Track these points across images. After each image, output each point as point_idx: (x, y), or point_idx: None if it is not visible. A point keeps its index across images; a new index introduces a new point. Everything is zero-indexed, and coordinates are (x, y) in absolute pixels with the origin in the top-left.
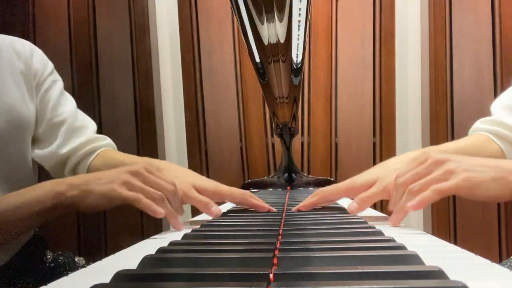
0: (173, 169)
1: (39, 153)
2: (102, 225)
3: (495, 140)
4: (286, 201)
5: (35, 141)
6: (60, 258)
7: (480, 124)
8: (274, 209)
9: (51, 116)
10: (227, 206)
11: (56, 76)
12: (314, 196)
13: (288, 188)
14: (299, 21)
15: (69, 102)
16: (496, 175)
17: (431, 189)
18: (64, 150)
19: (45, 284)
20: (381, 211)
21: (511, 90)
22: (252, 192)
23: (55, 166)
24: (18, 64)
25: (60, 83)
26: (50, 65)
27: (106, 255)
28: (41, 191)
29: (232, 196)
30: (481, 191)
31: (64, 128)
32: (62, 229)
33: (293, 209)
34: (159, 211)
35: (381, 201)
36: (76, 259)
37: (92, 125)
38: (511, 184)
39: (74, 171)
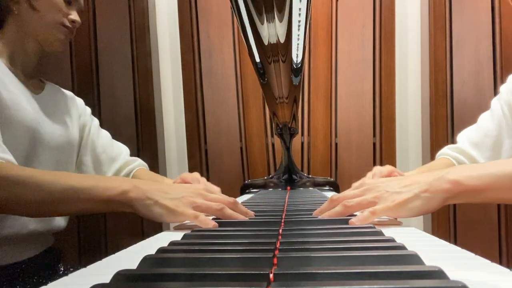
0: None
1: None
2: (102, 225)
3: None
4: (286, 201)
5: (85, 169)
6: (71, 269)
7: (448, 150)
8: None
9: (94, 147)
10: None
11: (93, 117)
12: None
13: (288, 188)
14: (299, 21)
15: (106, 135)
16: (419, 191)
17: (368, 210)
18: (108, 174)
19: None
20: None
21: (473, 127)
22: (252, 192)
23: None
24: (74, 107)
25: (97, 121)
26: (88, 110)
27: (106, 255)
28: (111, 183)
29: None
30: (407, 208)
31: (105, 156)
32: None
33: (315, 212)
34: (213, 224)
35: None
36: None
37: (125, 150)
38: (437, 192)
39: None
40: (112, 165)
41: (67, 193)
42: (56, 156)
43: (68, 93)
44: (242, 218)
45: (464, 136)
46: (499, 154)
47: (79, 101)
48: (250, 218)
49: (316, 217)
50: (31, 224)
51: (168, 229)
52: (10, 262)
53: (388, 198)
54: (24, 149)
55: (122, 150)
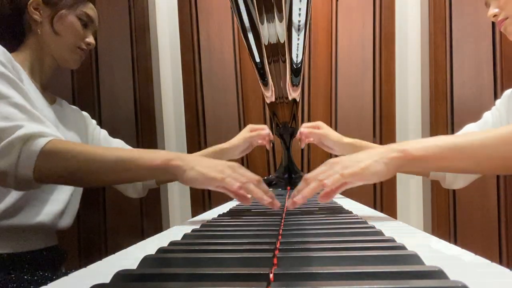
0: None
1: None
2: (102, 225)
3: None
4: (286, 201)
5: None
6: (73, 271)
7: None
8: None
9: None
10: (228, 206)
11: (99, 128)
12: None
13: (288, 188)
14: (299, 21)
15: (118, 142)
16: (377, 158)
17: (337, 173)
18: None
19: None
20: (381, 211)
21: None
22: None
23: (126, 187)
24: (82, 120)
25: (104, 132)
26: (94, 122)
27: (106, 255)
28: (155, 154)
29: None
30: (371, 172)
31: None
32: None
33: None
34: (237, 185)
35: (381, 202)
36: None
37: None
38: (390, 159)
39: (142, 183)
40: None
41: (117, 163)
42: None
43: (75, 107)
44: (261, 196)
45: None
46: None
47: (86, 115)
48: (250, 218)
49: (316, 217)
50: (39, 216)
51: (168, 228)
52: (12, 251)
53: (354, 165)
54: None
55: None
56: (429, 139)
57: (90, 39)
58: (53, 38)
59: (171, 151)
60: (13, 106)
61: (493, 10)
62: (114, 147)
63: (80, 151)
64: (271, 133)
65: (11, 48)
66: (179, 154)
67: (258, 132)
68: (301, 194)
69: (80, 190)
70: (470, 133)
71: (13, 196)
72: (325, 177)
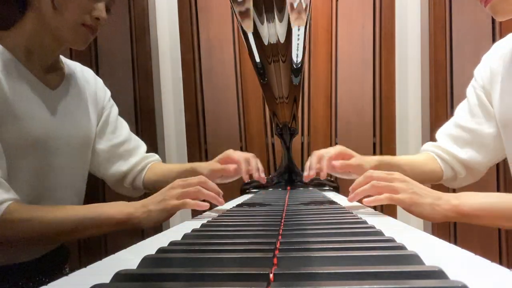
0: None
1: (103, 171)
2: None
3: (438, 161)
4: (286, 201)
5: (96, 157)
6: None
7: (428, 146)
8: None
9: (112, 137)
10: (229, 206)
11: (113, 102)
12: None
13: (288, 188)
14: None
15: (125, 126)
16: (432, 202)
17: (385, 196)
18: (124, 168)
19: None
20: (381, 211)
21: (451, 121)
22: (252, 192)
23: (116, 181)
24: (86, 89)
25: (116, 108)
26: (108, 93)
27: (106, 255)
28: (116, 209)
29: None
30: (418, 210)
31: (122, 149)
32: None
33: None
34: (204, 205)
35: None
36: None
37: (143, 145)
38: (440, 210)
39: (132, 184)
40: (129, 159)
41: (77, 225)
42: (72, 157)
43: (88, 74)
44: (213, 196)
45: (442, 133)
46: (482, 147)
47: (100, 83)
48: (250, 218)
49: (316, 217)
50: None
51: (168, 228)
52: (18, 261)
53: (410, 195)
54: (36, 160)
55: (140, 144)
56: (485, 196)
57: (99, 12)
58: (52, 12)
59: (130, 205)
60: None
61: None
62: (73, 207)
63: (37, 218)
64: (251, 167)
65: (4, 25)
66: (133, 204)
67: (223, 168)
68: (356, 192)
69: (82, 196)
70: None
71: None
72: (383, 186)
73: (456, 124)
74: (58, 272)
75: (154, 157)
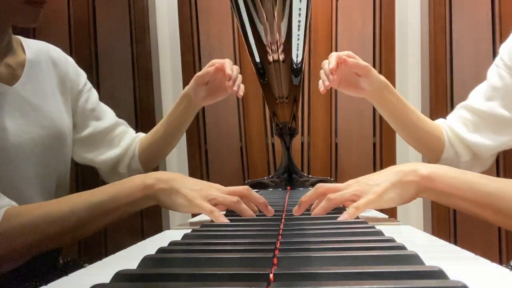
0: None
1: (93, 158)
2: None
3: (444, 135)
4: (286, 201)
5: (82, 146)
6: (71, 263)
7: (439, 121)
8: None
9: (96, 124)
10: None
11: (90, 85)
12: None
13: (288, 188)
14: (299, 21)
15: (109, 111)
16: (395, 179)
17: (352, 206)
18: (118, 152)
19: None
20: (381, 211)
21: (463, 103)
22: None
23: (110, 168)
24: (54, 74)
25: (95, 92)
26: (84, 75)
27: (106, 255)
28: (132, 183)
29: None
30: (385, 199)
31: (111, 135)
32: None
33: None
34: (225, 220)
35: None
36: (85, 266)
37: (131, 129)
38: (408, 184)
39: (128, 167)
40: (120, 144)
41: (90, 213)
42: (44, 160)
43: (57, 55)
44: (251, 214)
45: (453, 113)
46: (493, 130)
47: (71, 64)
48: (250, 218)
49: (316, 217)
50: None
51: (168, 229)
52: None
53: (370, 190)
54: None
55: (128, 129)
56: (461, 172)
57: None
58: None
59: (150, 177)
60: None
61: None
62: (79, 194)
63: (38, 219)
64: (229, 70)
65: None
66: (156, 175)
67: (206, 71)
68: (314, 213)
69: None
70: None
71: None
72: (337, 197)
73: (467, 107)
74: (51, 269)
75: (142, 134)
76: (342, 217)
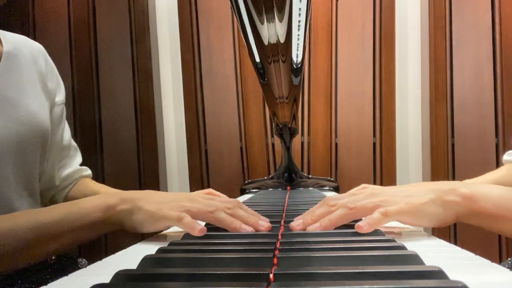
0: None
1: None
2: None
3: None
4: (286, 201)
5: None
6: (64, 259)
7: (508, 157)
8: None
9: (60, 139)
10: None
11: (63, 88)
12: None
13: (288, 188)
14: (299, 21)
15: (68, 129)
16: (434, 197)
17: (378, 211)
18: (62, 174)
19: (47, 284)
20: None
21: None
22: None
23: (46, 185)
24: (35, 69)
25: (63, 94)
26: (59, 76)
27: (106, 255)
28: (90, 203)
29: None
30: (425, 213)
31: (65, 154)
32: None
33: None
34: (199, 228)
35: None
36: (78, 260)
37: (79, 156)
38: (450, 204)
39: (50, 200)
40: (66, 168)
41: (35, 236)
42: (19, 158)
43: (38, 51)
44: (235, 226)
45: None
46: None
47: (50, 63)
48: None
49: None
50: None
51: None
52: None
53: (401, 200)
54: None
55: (77, 154)
56: (501, 188)
57: None
58: None
59: (113, 196)
60: None
61: None
62: (26, 212)
63: None
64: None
65: None
66: (119, 195)
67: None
68: (321, 222)
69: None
70: None
71: None
72: (358, 206)
73: None
74: (44, 265)
75: (87, 171)
76: (364, 223)
